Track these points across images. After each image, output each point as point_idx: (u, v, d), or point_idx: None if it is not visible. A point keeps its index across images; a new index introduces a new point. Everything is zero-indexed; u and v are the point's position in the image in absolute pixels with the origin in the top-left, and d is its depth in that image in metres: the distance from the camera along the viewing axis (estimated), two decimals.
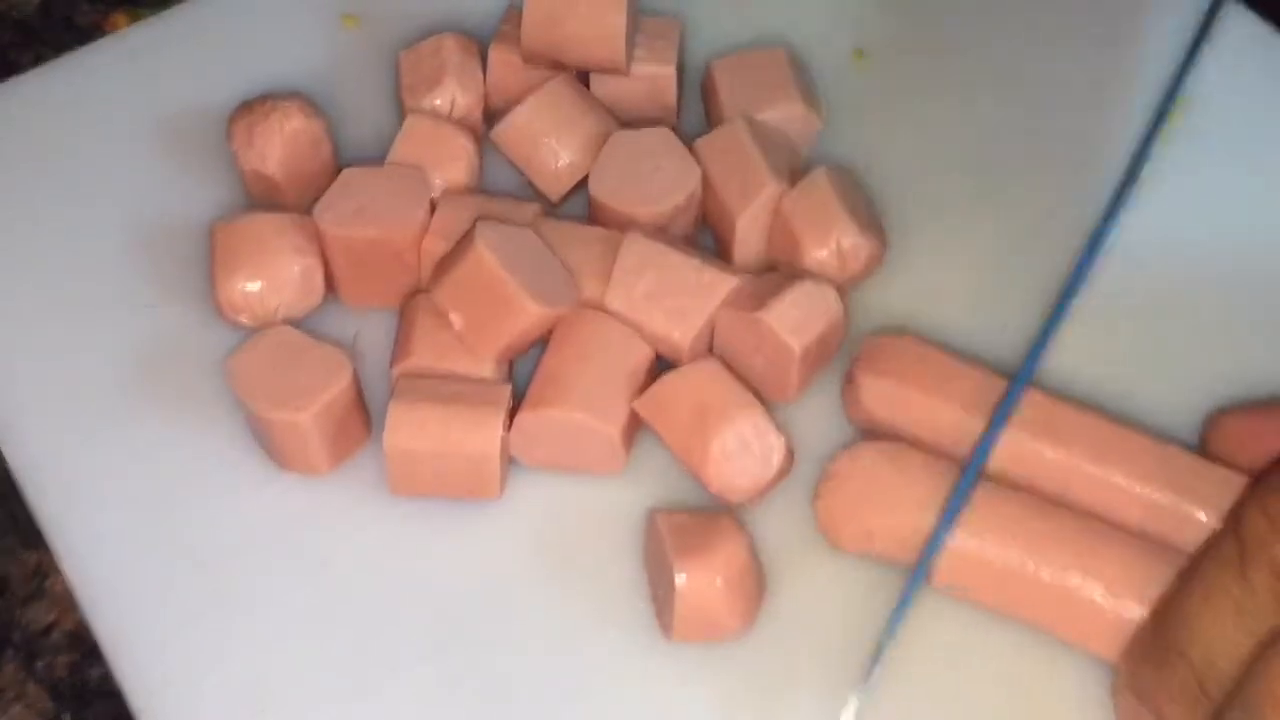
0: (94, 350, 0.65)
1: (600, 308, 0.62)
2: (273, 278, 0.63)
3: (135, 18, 0.75)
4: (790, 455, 0.61)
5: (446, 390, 0.60)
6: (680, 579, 0.56)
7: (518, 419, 0.60)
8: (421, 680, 0.58)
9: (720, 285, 0.62)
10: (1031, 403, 0.60)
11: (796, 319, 0.61)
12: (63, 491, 0.62)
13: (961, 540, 0.58)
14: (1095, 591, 0.57)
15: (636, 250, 0.63)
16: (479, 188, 0.67)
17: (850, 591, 0.60)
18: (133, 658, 0.58)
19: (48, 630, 0.63)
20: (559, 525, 0.61)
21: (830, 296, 0.62)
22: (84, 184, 0.69)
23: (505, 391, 0.61)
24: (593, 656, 0.58)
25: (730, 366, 0.62)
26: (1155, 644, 0.53)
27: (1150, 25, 0.74)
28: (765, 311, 0.61)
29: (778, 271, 0.65)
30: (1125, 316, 0.66)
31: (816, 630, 0.59)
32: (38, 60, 0.74)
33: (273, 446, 0.61)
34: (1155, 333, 0.65)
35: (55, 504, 0.61)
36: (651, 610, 0.59)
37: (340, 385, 0.60)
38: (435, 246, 0.63)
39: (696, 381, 0.61)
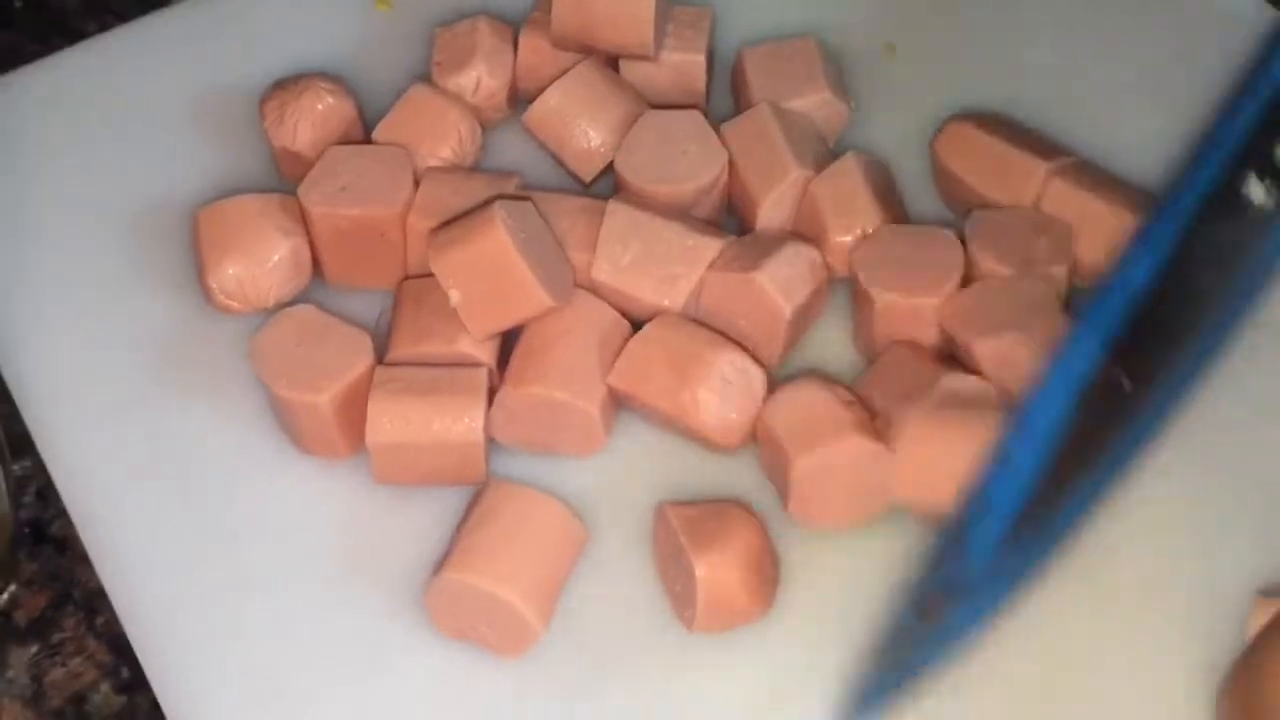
0: (122, 331, 0.65)
1: (587, 277, 0.62)
2: (262, 260, 0.63)
3: None
4: (769, 384, 0.60)
5: (425, 378, 0.60)
6: (700, 570, 0.56)
7: (499, 395, 0.60)
8: (439, 661, 0.58)
9: (706, 249, 0.62)
10: None
11: (788, 278, 0.60)
12: (87, 473, 0.63)
13: None
14: None
15: (620, 218, 0.62)
16: (475, 166, 0.67)
17: (865, 565, 0.59)
18: (153, 638, 0.59)
19: None
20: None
21: (817, 259, 0.62)
22: (119, 160, 0.69)
23: (482, 374, 0.60)
24: (611, 643, 0.59)
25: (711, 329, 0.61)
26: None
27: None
28: (758, 271, 0.60)
29: (755, 232, 0.64)
30: None
31: (833, 608, 0.59)
32: (103, 28, 0.75)
33: (293, 428, 0.62)
34: None
35: (79, 485, 0.62)
36: (665, 596, 0.59)
37: (361, 367, 0.60)
38: (420, 224, 0.63)
39: (660, 338, 0.60)
